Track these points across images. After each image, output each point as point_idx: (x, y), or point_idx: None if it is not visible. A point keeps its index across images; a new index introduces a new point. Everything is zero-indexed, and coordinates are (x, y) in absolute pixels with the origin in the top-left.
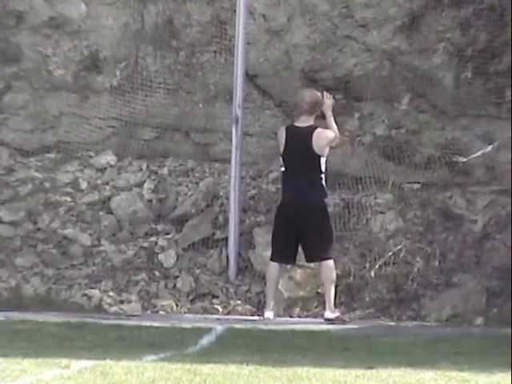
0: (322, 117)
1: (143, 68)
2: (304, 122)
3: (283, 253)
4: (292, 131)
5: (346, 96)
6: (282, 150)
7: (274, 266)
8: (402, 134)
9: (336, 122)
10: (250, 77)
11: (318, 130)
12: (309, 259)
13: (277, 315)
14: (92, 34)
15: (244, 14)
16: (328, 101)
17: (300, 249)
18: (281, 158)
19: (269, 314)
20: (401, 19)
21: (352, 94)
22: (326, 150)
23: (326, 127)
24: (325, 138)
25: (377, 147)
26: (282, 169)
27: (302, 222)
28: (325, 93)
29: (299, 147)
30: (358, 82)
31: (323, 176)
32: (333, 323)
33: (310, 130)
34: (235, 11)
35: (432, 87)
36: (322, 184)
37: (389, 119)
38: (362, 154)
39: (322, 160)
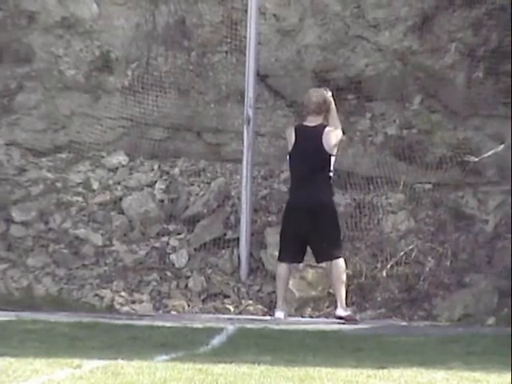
0: (327, 110)
1: (155, 68)
2: (312, 121)
3: (291, 253)
4: (302, 130)
5: (357, 96)
6: (290, 149)
7: (283, 267)
8: (414, 134)
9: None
10: (261, 77)
11: (327, 128)
12: (319, 259)
13: (288, 315)
14: (104, 34)
15: (255, 14)
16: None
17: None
18: (288, 157)
19: (279, 313)
20: (412, 19)
21: (363, 93)
22: (336, 149)
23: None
24: (334, 136)
25: (388, 147)
26: (289, 168)
27: (310, 222)
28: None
29: (309, 146)
30: (369, 82)
31: (331, 175)
32: (344, 322)
33: (320, 128)
34: (247, 11)
35: (443, 87)
36: (330, 183)
37: (400, 119)
38: (373, 153)
39: (332, 159)
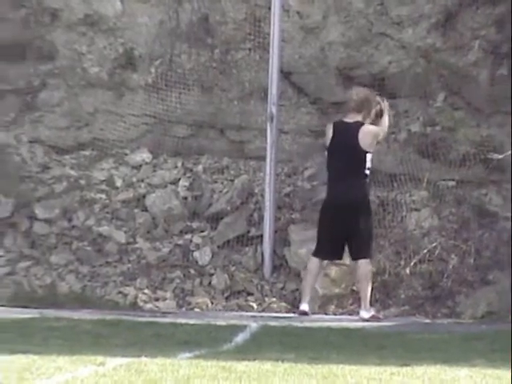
0: (380, 115)
1: (178, 65)
2: (351, 118)
3: (329, 250)
4: (339, 126)
5: (381, 93)
6: (327, 144)
7: (315, 262)
8: (437, 131)
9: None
10: (285, 74)
11: (365, 125)
12: (355, 257)
13: (312, 312)
14: (127, 31)
15: (279, 11)
16: (385, 104)
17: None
18: (326, 153)
19: (304, 305)
20: (436, 16)
21: (387, 91)
22: (373, 146)
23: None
24: (370, 132)
25: (412, 144)
26: (326, 164)
27: (345, 219)
28: (382, 99)
29: (345, 143)
30: (393, 79)
31: (368, 172)
32: (368, 321)
33: (357, 125)
34: (270, 8)
35: (467, 84)
36: (365, 180)
37: (424, 116)
38: (397, 151)
39: (369, 156)
